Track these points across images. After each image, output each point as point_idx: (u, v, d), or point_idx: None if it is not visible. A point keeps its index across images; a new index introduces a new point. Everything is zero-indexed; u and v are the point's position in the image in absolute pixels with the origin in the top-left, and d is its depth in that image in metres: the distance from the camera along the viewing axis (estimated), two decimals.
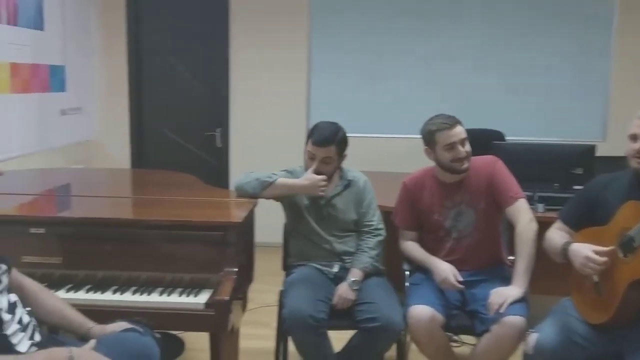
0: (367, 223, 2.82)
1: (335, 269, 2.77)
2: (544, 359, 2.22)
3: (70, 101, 4.85)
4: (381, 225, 2.85)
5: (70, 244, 2.38)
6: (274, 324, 2.93)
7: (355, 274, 2.67)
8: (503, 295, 2.42)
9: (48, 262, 2.35)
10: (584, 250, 2.16)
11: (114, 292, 2.31)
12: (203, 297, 2.27)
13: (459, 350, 3.20)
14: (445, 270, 2.59)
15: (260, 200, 2.75)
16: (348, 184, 2.84)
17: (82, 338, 1.99)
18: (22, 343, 1.73)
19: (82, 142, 5.10)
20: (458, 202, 2.73)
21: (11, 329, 1.70)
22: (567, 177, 3.34)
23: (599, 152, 3.52)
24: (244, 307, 2.60)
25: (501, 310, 2.38)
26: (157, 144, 5.52)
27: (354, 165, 2.96)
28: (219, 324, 2.25)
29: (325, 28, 5.26)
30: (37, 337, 1.82)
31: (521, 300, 2.43)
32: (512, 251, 2.67)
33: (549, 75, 5.19)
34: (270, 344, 2.95)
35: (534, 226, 2.56)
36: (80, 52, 4.99)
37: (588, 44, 5.13)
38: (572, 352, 2.19)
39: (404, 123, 5.11)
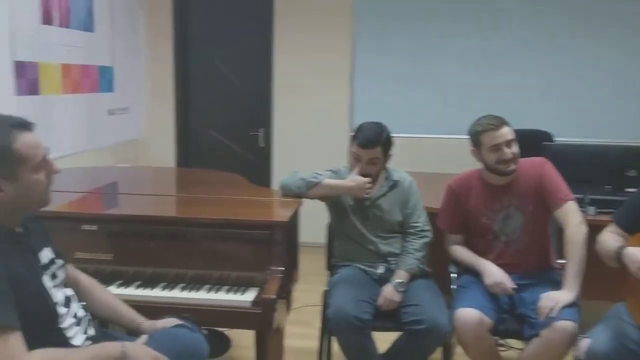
0: (413, 224, 2.79)
1: (380, 270, 2.75)
2: None
3: (118, 101, 4.95)
4: (427, 227, 2.82)
5: (120, 241, 2.43)
6: (317, 323, 2.94)
7: (400, 276, 2.66)
8: (554, 299, 2.37)
9: (99, 258, 2.40)
10: None
11: (163, 288, 2.35)
12: (249, 295, 2.29)
13: (506, 354, 3.15)
14: (498, 274, 2.55)
15: (303, 200, 2.76)
16: (394, 185, 2.82)
17: (132, 333, 2.04)
18: (77, 337, 1.77)
19: (128, 141, 5.19)
20: (506, 205, 2.69)
21: (67, 322, 1.74)
22: (620, 180, 3.24)
23: None
24: (288, 306, 2.60)
25: (552, 315, 2.33)
26: (202, 144, 5.60)
27: (397, 166, 2.94)
28: (264, 322, 2.26)
29: (368, 28, 5.24)
30: (91, 331, 1.85)
31: (572, 304, 2.38)
32: (561, 254, 2.62)
33: (598, 74, 5.06)
34: (314, 343, 2.96)
35: (583, 229, 2.51)
36: (128, 53, 5.09)
37: (637, 43, 4.99)
38: (626, 359, 2.12)
39: (449, 123, 5.07)
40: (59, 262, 1.84)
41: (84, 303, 1.93)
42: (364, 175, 2.71)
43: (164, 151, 5.51)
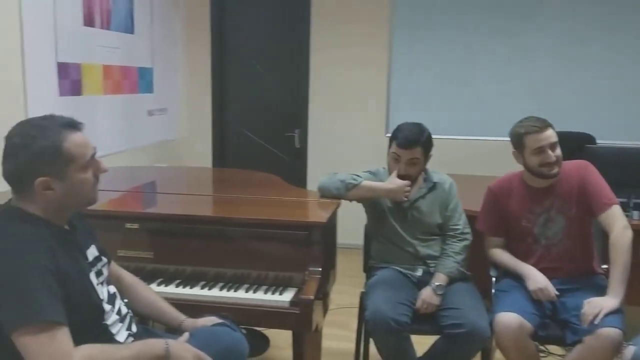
0: (453, 227, 2.76)
1: (419, 272, 2.73)
2: None
3: (157, 102, 5.02)
4: (467, 230, 2.78)
5: (161, 240, 2.46)
6: (352, 325, 2.93)
7: (439, 279, 2.63)
8: (598, 305, 2.32)
9: (140, 256, 2.45)
10: None
11: (202, 287, 2.37)
12: (288, 295, 2.30)
13: None
14: (542, 279, 2.52)
15: (341, 201, 2.74)
16: (433, 187, 2.79)
17: (172, 331, 2.06)
18: (121, 333, 1.80)
19: (166, 141, 5.26)
20: (547, 208, 2.64)
21: (111, 319, 1.77)
22: None
23: None
24: (326, 308, 2.60)
25: (596, 322, 2.28)
26: (238, 144, 5.65)
27: (435, 167, 2.91)
28: (303, 322, 2.26)
29: (406, 29, 5.21)
30: (134, 328, 1.88)
31: (617, 311, 2.32)
32: (605, 259, 2.57)
33: None
34: (349, 345, 2.95)
35: (629, 234, 2.44)
36: (166, 54, 5.16)
37: None
38: None
39: (489, 125, 5.02)
40: (104, 259, 1.87)
41: (127, 300, 1.96)
42: (404, 177, 2.69)
43: (201, 151, 5.57)
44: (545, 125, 2.57)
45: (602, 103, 4.99)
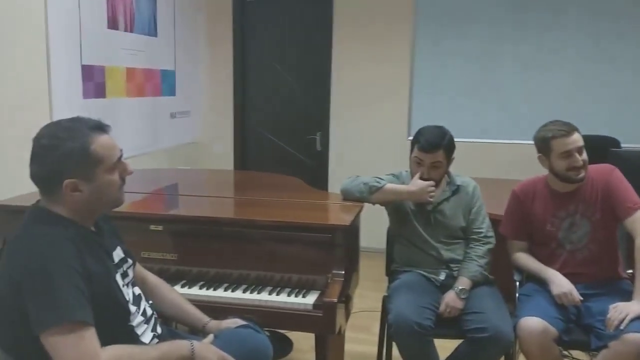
0: (477, 230, 2.74)
1: (442, 276, 2.71)
2: None
3: (179, 105, 5.06)
4: (491, 233, 2.76)
5: (185, 242, 2.47)
6: (374, 329, 2.92)
7: (463, 283, 2.61)
8: (623, 310, 2.30)
9: (164, 258, 2.46)
10: None
11: (226, 289, 2.38)
12: (311, 298, 2.30)
13: None
14: (566, 284, 2.50)
15: (364, 205, 2.73)
16: (456, 190, 2.77)
17: (196, 332, 2.07)
18: (146, 334, 1.81)
19: (188, 144, 5.30)
20: (572, 213, 2.62)
21: (136, 320, 1.78)
22: None
23: None
24: (348, 311, 2.60)
25: (622, 327, 2.26)
26: (260, 147, 5.67)
27: (458, 171, 2.89)
28: (326, 325, 2.26)
29: (428, 32, 5.19)
30: (159, 330, 1.89)
31: None
32: (631, 264, 2.53)
33: None
34: (371, 348, 2.94)
35: None
36: (189, 57, 5.20)
37: None
38: None
39: (513, 128, 4.98)
40: (129, 261, 1.88)
41: (151, 302, 1.97)
42: (426, 180, 2.67)
43: (222, 154, 5.60)
44: (571, 129, 2.55)
45: (627, 106, 4.92)
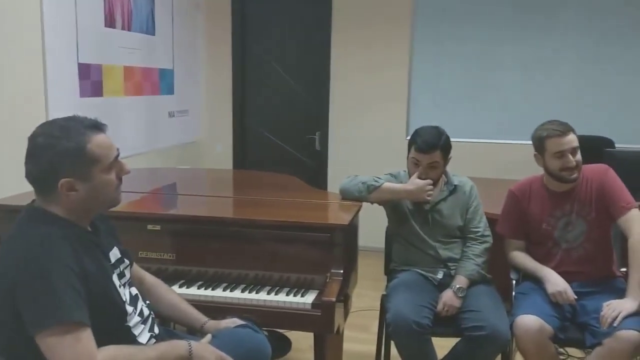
0: (474, 229, 2.75)
1: (440, 275, 2.72)
2: None
3: (178, 104, 5.06)
4: (488, 232, 2.77)
5: (183, 242, 2.47)
6: (373, 328, 2.93)
7: (460, 281, 2.62)
8: (617, 308, 2.32)
9: (162, 257, 2.46)
10: None
11: (224, 289, 2.38)
12: (310, 297, 2.30)
13: None
14: (561, 282, 2.52)
15: (363, 204, 2.74)
16: (454, 189, 2.78)
17: (194, 332, 2.07)
18: (143, 335, 1.80)
19: (187, 143, 5.29)
20: (568, 212, 2.64)
21: (133, 320, 1.77)
22: None
23: None
24: (347, 310, 2.60)
25: (615, 324, 2.28)
26: (259, 146, 5.67)
27: (456, 171, 2.90)
28: (324, 324, 2.26)
29: (427, 33, 5.20)
30: (156, 330, 1.88)
31: (636, 313, 2.32)
32: (624, 262, 2.57)
33: None
34: (370, 347, 2.95)
35: None
36: (187, 56, 5.19)
37: None
38: None
39: (510, 128, 4.99)
40: (126, 261, 1.87)
41: (149, 302, 1.96)
42: (424, 179, 2.68)
43: (221, 153, 5.60)
44: (567, 129, 2.56)
45: (621, 107, 4.95)
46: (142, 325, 1.82)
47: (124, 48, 4.19)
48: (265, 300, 2.31)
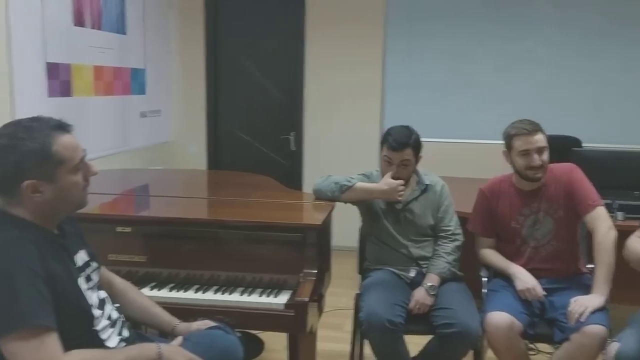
0: (445, 228, 2.78)
1: (412, 273, 2.74)
2: None
3: (150, 104, 5.00)
4: (459, 230, 2.80)
5: (154, 243, 2.45)
6: (347, 327, 2.93)
7: (432, 279, 2.64)
8: (584, 304, 2.37)
9: (133, 260, 2.43)
10: None
11: (196, 290, 2.36)
12: (283, 298, 2.29)
13: (535, 358, 3.14)
14: (529, 279, 2.55)
15: (336, 204, 2.74)
16: (425, 189, 2.81)
17: (166, 335, 2.05)
18: (112, 339, 1.78)
19: (160, 143, 5.24)
20: (536, 210, 2.69)
21: (101, 324, 1.75)
22: None
23: None
24: (320, 310, 2.60)
25: (582, 319, 2.33)
26: (233, 146, 5.62)
27: (429, 169, 2.92)
28: (297, 324, 2.26)
29: (400, 33, 5.23)
30: (125, 333, 1.86)
31: (602, 309, 2.37)
32: (591, 259, 2.62)
33: (629, 78, 5.00)
34: (344, 346, 2.95)
35: (613, 234, 2.50)
36: (159, 55, 5.14)
37: None
38: None
39: (480, 128, 5.04)
40: (94, 264, 1.85)
41: (118, 305, 1.94)
42: (396, 178, 2.70)
43: (195, 154, 5.55)
44: (535, 129, 2.60)
45: (589, 107, 5.05)
46: (111, 329, 1.79)
47: (93, 47, 4.13)
48: (238, 302, 2.29)
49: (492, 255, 2.75)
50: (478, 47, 5.13)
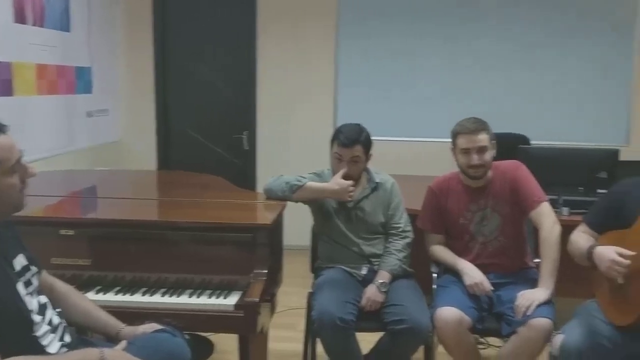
0: (395, 225, 2.80)
1: (364, 271, 2.75)
2: None
3: (97, 103, 4.88)
4: (409, 228, 2.83)
5: (99, 246, 2.39)
6: (300, 326, 2.93)
7: (383, 276, 2.66)
8: (530, 297, 2.42)
9: (77, 263, 2.36)
10: (609, 253, 2.16)
11: (144, 293, 2.31)
12: (232, 299, 2.27)
13: (485, 352, 3.19)
14: (477, 274, 2.60)
15: (287, 203, 2.74)
16: (376, 187, 2.82)
17: (112, 339, 1.99)
18: (53, 344, 1.73)
19: (108, 143, 5.12)
20: (483, 207, 2.74)
21: (41, 330, 1.70)
22: (591, 181, 3.34)
23: (622, 157, 3.51)
24: (272, 309, 2.58)
25: (528, 313, 2.38)
26: (184, 146, 5.53)
27: (380, 168, 2.94)
28: (248, 325, 2.24)
29: (351, 32, 5.24)
30: (67, 339, 1.81)
31: (547, 302, 2.43)
32: (537, 254, 2.68)
33: (573, 79, 5.13)
34: (298, 346, 2.94)
35: (557, 229, 2.56)
36: (106, 53, 5.02)
37: (611, 48, 5.05)
38: (598, 354, 2.16)
39: (430, 126, 5.09)
40: (33, 269, 1.79)
41: (60, 310, 1.88)
42: (348, 178, 2.71)
43: (144, 153, 5.43)
44: (478, 128, 2.64)
45: (536, 106, 5.15)
46: (52, 335, 1.74)
47: (35, 45, 4.00)
48: (186, 304, 2.26)
49: (441, 252, 2.79)
50: (429, 46, 5.18)
